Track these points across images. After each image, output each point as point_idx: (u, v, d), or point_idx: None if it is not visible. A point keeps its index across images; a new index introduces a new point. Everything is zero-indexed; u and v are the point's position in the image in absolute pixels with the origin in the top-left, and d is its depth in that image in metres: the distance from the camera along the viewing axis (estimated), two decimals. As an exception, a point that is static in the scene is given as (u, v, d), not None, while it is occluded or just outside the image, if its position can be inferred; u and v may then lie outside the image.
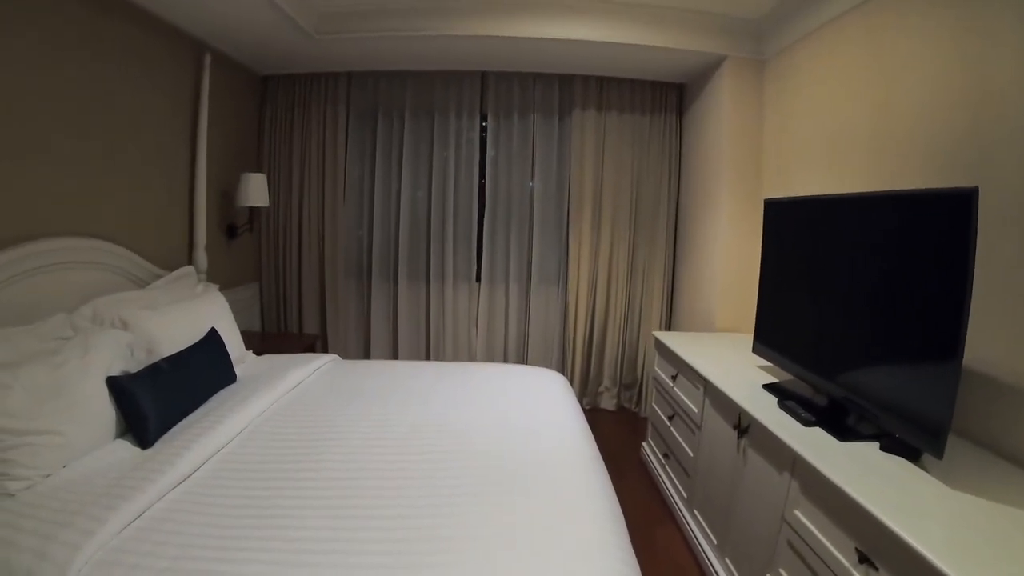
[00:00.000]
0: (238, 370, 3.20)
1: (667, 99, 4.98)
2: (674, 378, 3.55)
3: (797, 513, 2.06)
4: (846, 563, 1.76)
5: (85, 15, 2.92)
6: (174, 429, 2.43)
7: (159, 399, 2.41)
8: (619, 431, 4.77)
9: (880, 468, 1.94)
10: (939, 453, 1.81)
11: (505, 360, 5.22)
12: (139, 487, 1.93)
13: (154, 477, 2.00)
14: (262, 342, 4.33)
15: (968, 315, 1.75)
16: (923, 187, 2.41)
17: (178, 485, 2.07)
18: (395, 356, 5.28)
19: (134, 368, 2.53)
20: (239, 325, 3.62)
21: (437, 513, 1.92)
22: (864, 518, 1.67)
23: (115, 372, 2.41)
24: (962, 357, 1.78)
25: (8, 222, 2.53)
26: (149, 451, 2.25)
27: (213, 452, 2.32)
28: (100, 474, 2.03)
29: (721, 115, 4.21)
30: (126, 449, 2.26)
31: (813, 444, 2.09)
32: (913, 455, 1.99)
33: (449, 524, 1.86)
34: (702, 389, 3.08)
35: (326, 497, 2.01)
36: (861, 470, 1.90)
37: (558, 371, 4.05)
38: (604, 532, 1.86)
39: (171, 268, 3.59)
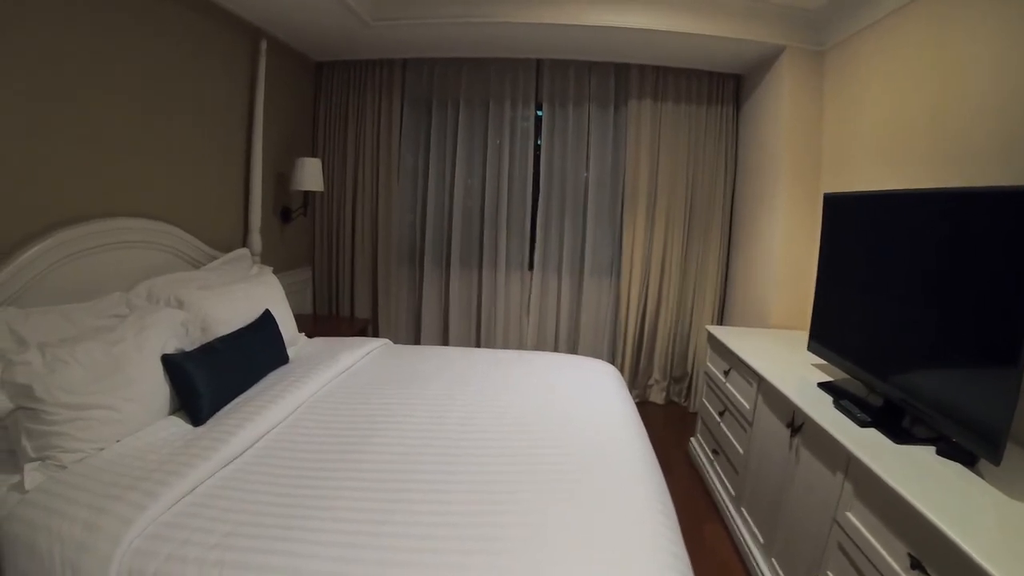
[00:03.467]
0: (290, 352, 3.25)
1: (724, 90, 4.87)
2: (726, 373, 3.49)
3: (849, 515, 2.01)
4: (897, 568, 1.71)
5: (144, 1, 2.98)
6: (227, 408, 2.48)
7: (212, 377, 2.46)
8: (667, 425, 4.73)
9: (936, 473, 1.88)
10: (997, 460, 1.75)
11: (556, 349, 5.19)
12: (191, 463, 1.96)
13: (207, 454, 2.04)
14: (314, 325, 4.40)
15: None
16: (986, 184, 2.32)
17: (230, 463, 2.10)
18: (445, 342, 5.29)
19: (188, 347, 2.59)
20: (291, 308, 3.68)
21: (494, 500, 1.92)
22: (918, 523, 1.62)
23: (170, 350, 2.46)
24: (1025, 362, 1.71)
25: (69, 202, 2.60)
26: (201, 428, 2.29)
27: (265, 432, 2.35)
28: (153, 449, 2.08)
29: (779, 107, 4.10)
30: (179, 426, 2.31)
31: (868, 445, 2.03)
32: (969, 461, 1.92)
33: (506, 510, 1.85)
34: (755, 386, 3.02)
35: (378, 480, 2.01)
36: (916, 474, 1.84)
37: (608, 362, 4.02)
38: (658, 527, 1.84)
39: (226, 250, 3.66)
